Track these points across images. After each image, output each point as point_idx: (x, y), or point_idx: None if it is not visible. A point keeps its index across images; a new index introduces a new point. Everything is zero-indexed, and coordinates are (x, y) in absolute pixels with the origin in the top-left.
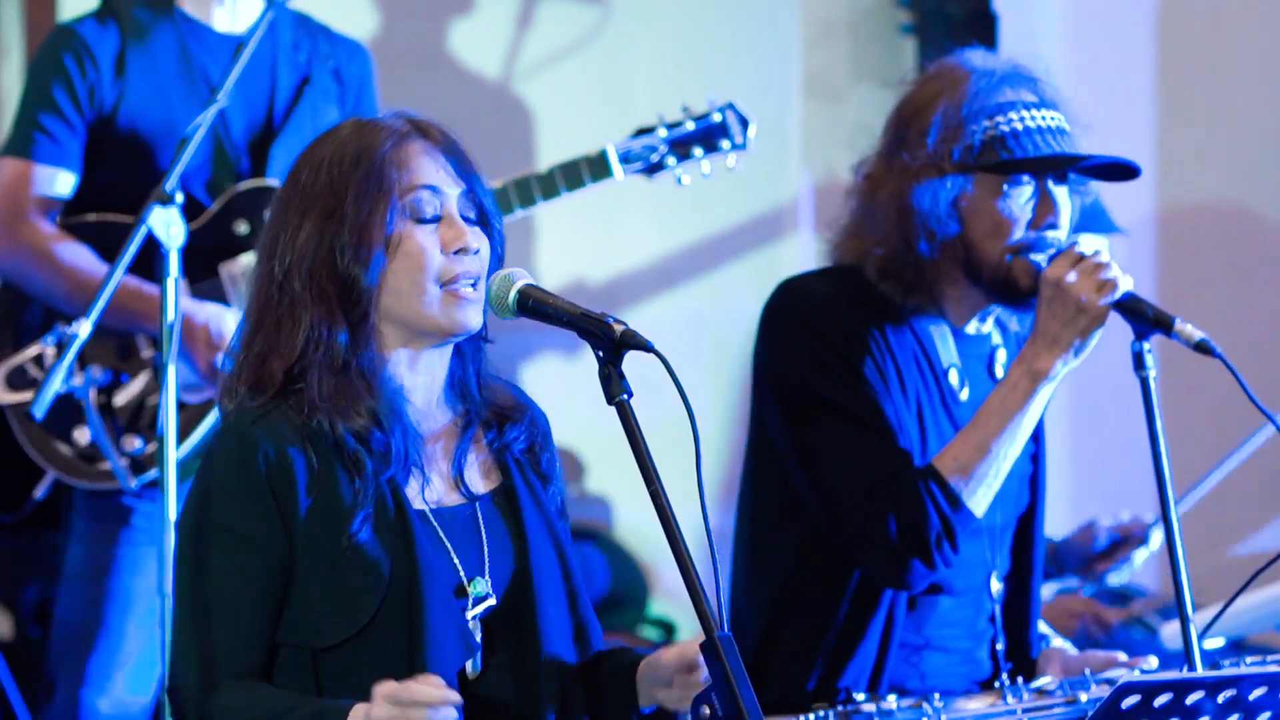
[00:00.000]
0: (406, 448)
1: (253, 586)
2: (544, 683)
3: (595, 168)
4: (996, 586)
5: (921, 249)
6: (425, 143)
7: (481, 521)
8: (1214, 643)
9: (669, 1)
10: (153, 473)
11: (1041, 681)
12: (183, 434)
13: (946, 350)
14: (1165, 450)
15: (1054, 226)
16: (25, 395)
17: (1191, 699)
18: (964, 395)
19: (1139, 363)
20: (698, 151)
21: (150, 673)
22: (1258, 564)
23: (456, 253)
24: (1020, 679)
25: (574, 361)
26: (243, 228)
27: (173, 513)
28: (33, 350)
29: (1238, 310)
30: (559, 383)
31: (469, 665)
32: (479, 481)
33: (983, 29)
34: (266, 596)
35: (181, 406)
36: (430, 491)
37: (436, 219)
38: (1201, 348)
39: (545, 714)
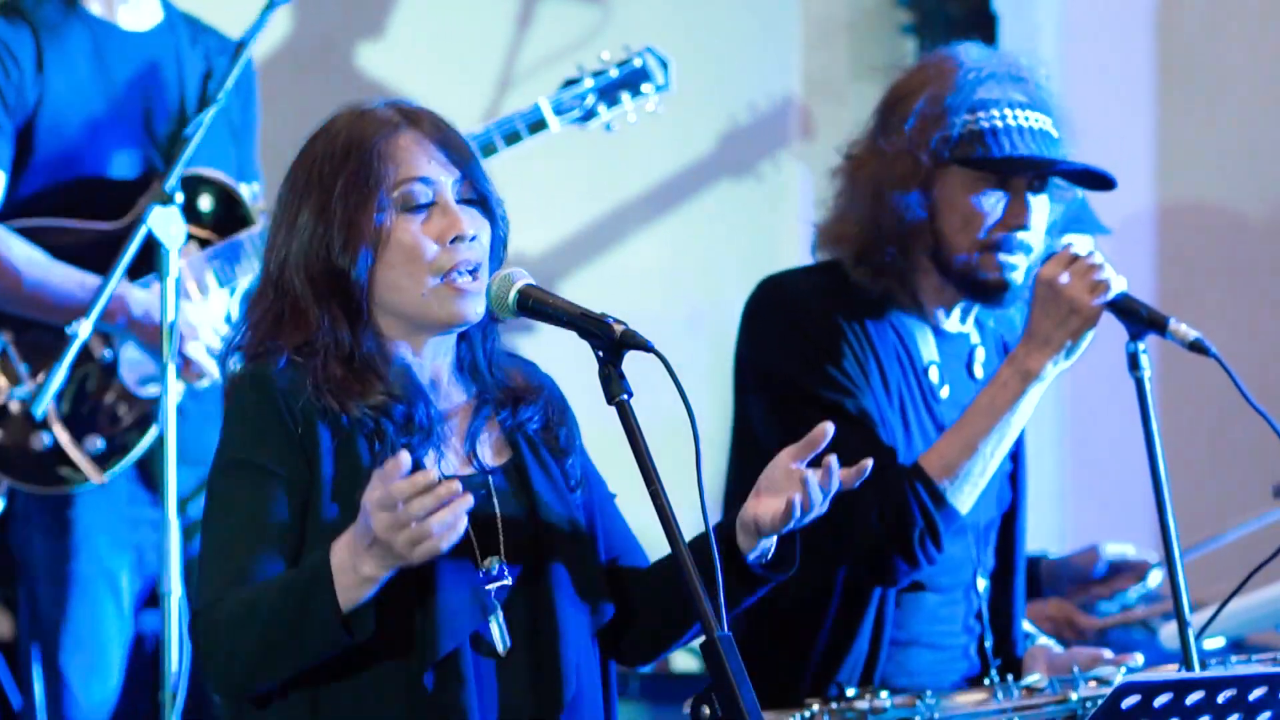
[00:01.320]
0: (429, 416)
1: (271, 514)
2: (563, 666)
3: (531, 122)
4: (982, 583)
5: (890, 233)
6: (415, 133)
7: (495, 495)
8: (1214, 643)
9: (669, 1)
10: (119, 465)
11: (1031, 679)
12: (140, 428)
13: (927, 348)
14: (1161, 451)
15: (1024, 228)
16: None
17: (1191, 699)
18: (944, 393)
19: (1134, 363)
20: (625, 96)
21: (109, 659)
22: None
23: (453, 241)
24: (1010, 676)
25: (573, 361)
26: None
27: (173, 512)
28: None
29: (1236, 310)
30: (557, 382)
31: (499, 642)
32: (490, 457)
33: (983, 29)
34: (284, 525)
35: (135, 400)
36: (445, 464)
37: (429, 209)
38: (1196, 347)
39: (566, 692)
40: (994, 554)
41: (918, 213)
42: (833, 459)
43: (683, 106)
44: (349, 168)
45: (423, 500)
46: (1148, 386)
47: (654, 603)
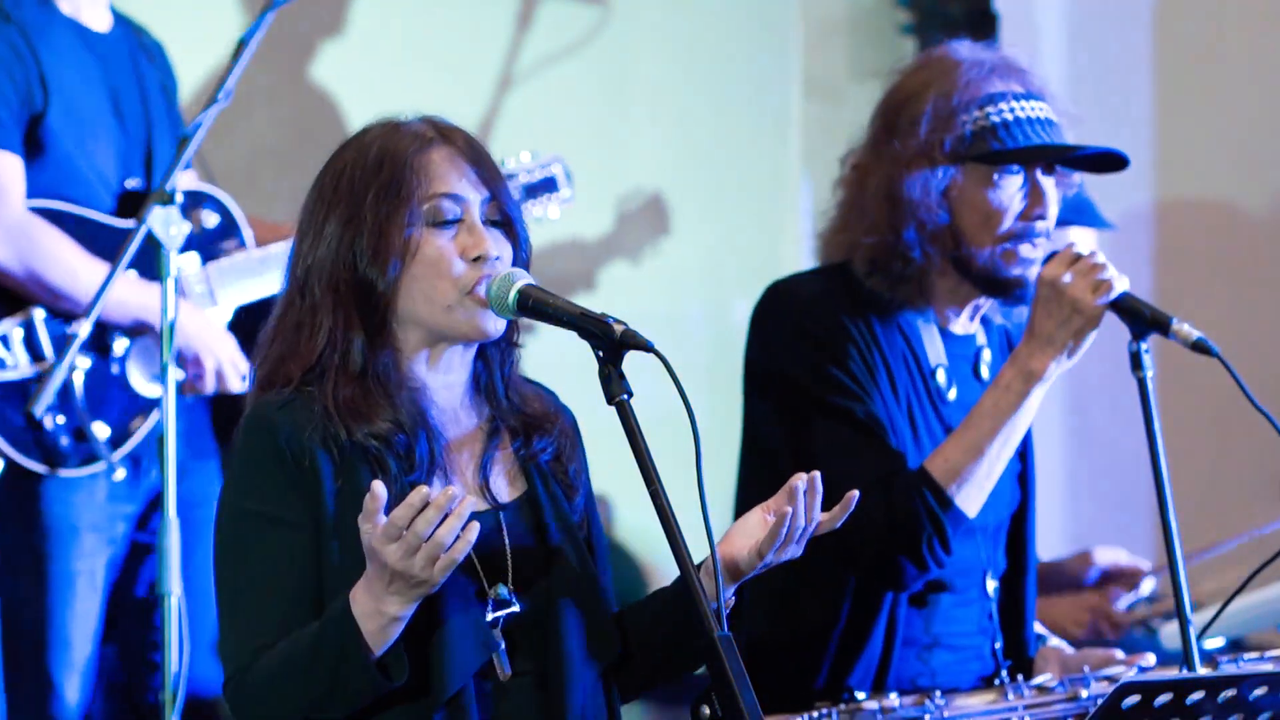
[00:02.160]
0: (432, 450)
1: (288, 566)
2: (569, 694)
3: None
4: (992, 584)
5: (910, 238)
6: (448, 149)
7: (505, 529)
8: (1214, 642)
9: (669, 1)
10: (127, 447)
11: (1042, 678)
12: (138, 422)
13: (934, 350)
14: (1163, 450)
15: (1043, 217)
16: None
17: (1191, 699)
18: (951, 395)
19: (1136, 363)
20: (544, 198)
21: (91, 658)
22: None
23: (476, 259)
24: (1020, 676)
25: (573, 361)
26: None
27: (172, 512)
28: None
29: (1236, 309)
30: (557, 382)
31: (499, 668)
32: (504, 489)
33: (983, 29)
34: (302, 574)
35: (136, 397)
36: None
37: (457, 225)
38: (1199, 347)
39: None
40: (1004, 554)
41: (939, 216)
42: (817, 477)
43: (683, 107)
44: (381, 178)
45: (425, 516)
46: (1150, 386)
47: (644, 640)
